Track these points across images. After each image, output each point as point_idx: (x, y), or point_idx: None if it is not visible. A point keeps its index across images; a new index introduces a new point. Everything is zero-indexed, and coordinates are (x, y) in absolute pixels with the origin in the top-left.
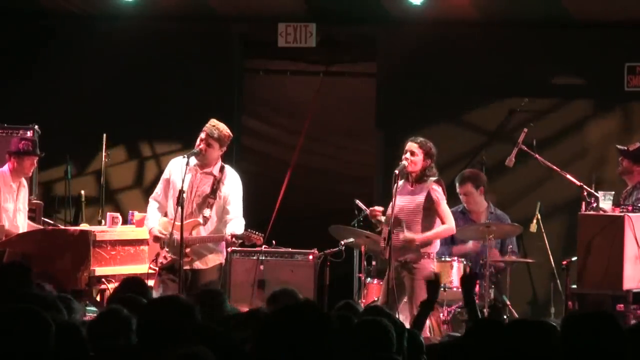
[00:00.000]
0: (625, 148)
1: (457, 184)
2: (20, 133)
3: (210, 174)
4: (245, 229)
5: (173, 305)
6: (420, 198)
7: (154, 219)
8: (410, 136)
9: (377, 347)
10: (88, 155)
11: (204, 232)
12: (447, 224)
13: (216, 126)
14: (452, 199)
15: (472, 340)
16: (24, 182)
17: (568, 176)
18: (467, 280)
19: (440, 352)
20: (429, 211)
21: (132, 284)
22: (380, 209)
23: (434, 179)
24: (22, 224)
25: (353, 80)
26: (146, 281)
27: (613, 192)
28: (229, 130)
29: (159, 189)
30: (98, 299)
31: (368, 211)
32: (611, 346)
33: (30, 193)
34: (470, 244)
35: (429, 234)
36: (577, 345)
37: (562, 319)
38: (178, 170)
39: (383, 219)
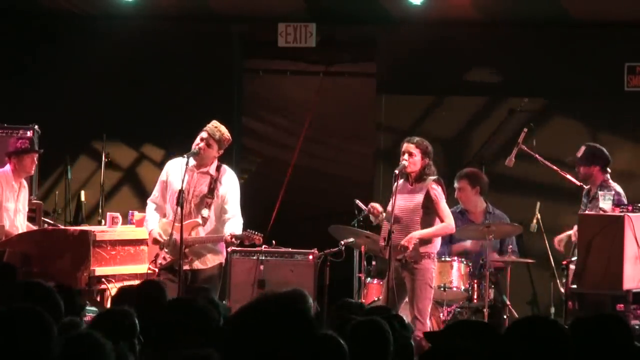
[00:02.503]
0: (574, 157)
1: (455, 179)
2: (20, 133)
3: (207, 173)
4: (245, 229)
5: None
6: (420, 197)
7: (154, 220)
8: (410, 136)
9: (374, 349)
10: (88, 155)
11: (203, 232)
12: (446, 222)
13: (218, 128)
14: (451, 199)
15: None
16: (25, 183)
17: (568, 176)
18: None
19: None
20: (428, 210)
21: (150, 287)
22: (379, 208)
23: (433, 178)
24: (22, 225)
25: (353, 80)
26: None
27: (613, 192)
28: (229, 135)
29: (156, 190)
30: (98, 299)
31: (366, 210)
32: (620, 349)
33: (30, 193)
34: (469, 242)
35: (427, 230)
36: (586, 347)
37: (571, 321)
38: (176, 171)
39: (383, 215)
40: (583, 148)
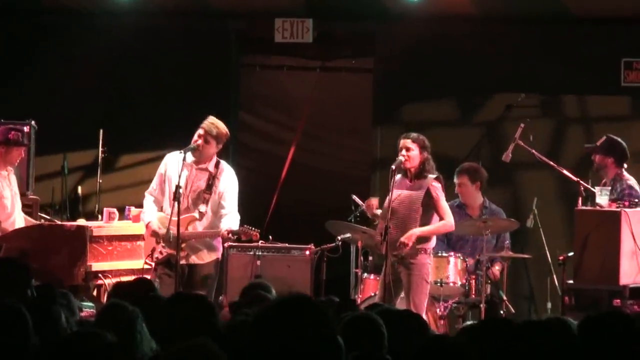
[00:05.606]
0: (594, 145)
1: (455, 175)
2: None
3: (205, 169)
4: (241, 225)
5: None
6: (419, 194)
7: (151, 213)
8: (407, 132)
9: (368, 344)
10: (85, 151)
11: (199, 227)
12: (446, 220)
13: (215, 124)
14: (449, 194)
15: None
16: (10, 167)
17: (565, 171)
18: None
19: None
20: (427, 207)
21: (143, 284)
22: (376, 200)
23: (433, 176)
24: (18, 208)
25: (350, 75)
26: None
27: (610, 188)
28: (226, 129)
29: (154, 183)
30: (95, 294)
31: (364, 206)
32: (628, 347)
33: (27, 188)
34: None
35: (427, 228)
36: (594, 347)
37: (580, 320)
38: (174, 165)
39: (379, 212)
40: (604, 138)
